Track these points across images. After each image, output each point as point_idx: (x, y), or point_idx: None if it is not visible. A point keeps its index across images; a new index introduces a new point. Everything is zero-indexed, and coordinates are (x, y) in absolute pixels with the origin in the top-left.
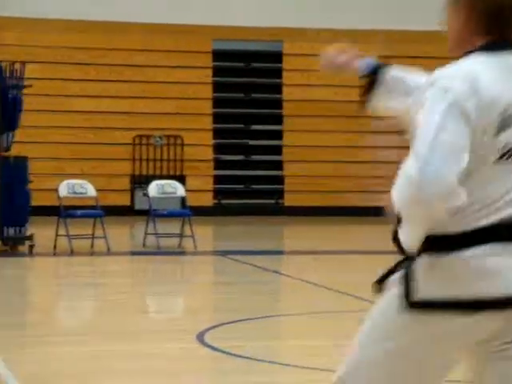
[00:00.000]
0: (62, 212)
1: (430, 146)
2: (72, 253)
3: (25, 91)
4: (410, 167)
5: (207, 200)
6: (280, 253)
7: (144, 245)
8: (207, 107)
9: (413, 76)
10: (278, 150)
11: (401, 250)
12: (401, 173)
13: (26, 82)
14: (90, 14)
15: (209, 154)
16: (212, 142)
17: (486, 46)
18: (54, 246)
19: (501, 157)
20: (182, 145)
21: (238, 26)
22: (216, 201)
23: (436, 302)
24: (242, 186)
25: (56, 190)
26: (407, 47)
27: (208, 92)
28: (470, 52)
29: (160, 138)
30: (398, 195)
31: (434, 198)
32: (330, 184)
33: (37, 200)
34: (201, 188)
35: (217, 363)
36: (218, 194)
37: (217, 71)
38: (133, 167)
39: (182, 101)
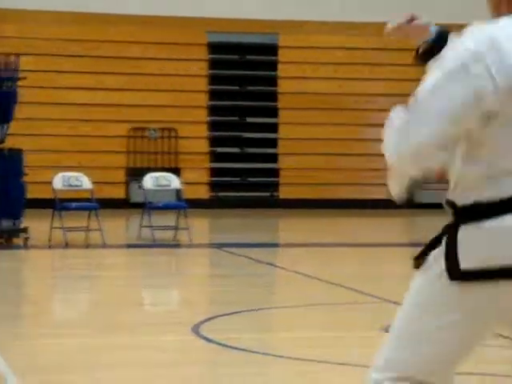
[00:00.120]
0: (56, 204)
1: (417, 104)
2: (67, 245)
3: (19, 83)
4: (398, 117)
5: (202, 192)
6: (275, 245)
7: (139, 237)
8: (202, 100)
9: None
10: (273, 142)
11: (452, 209)
12: (392, 117)
13: (20, 74)
14: (85, 7)
15: (204, 146)
16: (207, 134)
17: None
18: (49, 239)
19: None
20: (178, 137)
21: (234, 19)
22: (211, 193)
23: (480, 270)
24: (237, 179)
25: (51, 183)
26: (405, 40)
27: (203, 84)
28: (503, 15)
29: (155, 130)
30: (385, 141)
31: (403, 156)
32: (324, 177)
33: (32, 193)
34: (196, 180)
35: (212, 355)
36: (213, 186)
37: (212, 64)
38: (128, 160)
39: (177, 93)
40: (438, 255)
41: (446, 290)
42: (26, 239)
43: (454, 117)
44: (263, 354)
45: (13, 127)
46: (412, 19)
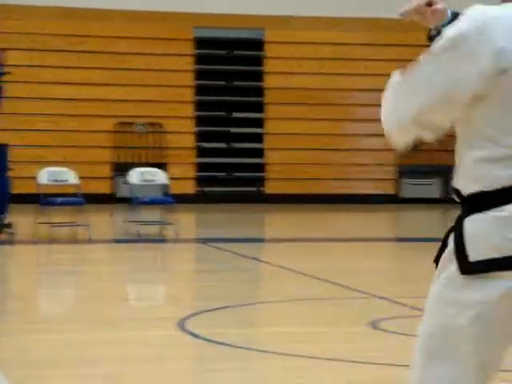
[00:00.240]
0: (42, 200)
1: (410, 74)
2: (52, 241)
3: (4, 78)
4: (395, 83)
5: (189, 187)
6: (261, 240)
7: (125, 232)
8: (189, 95)
9: None
10: (259, 137)
11: (459, 198)
12: (391, 82)
13: (5, 69)
14: (71, 2)
15: (191, 141)
16: (194, 129)
17: None
18: (35, 234)
19: None
20: (164, 132)
21: (220, 14)
22: (198, 188)
23: (491, 260)
24: (223, 174)
25: (36, 178)
26: (391, 35)
27: (190, 80)
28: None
29: (142, 125)
30: (383, 105)
31: (388, 126)
32: (310, 172)
33: (18, 188)
34: (182, 175)
35: (198, 350)
36: (199, 181)
37: (199, 59)
38: (114, 155)
39: (164, 88)
40: (449, 251)
41: (464, 285)
42: (11, 234)
43: (439, 92)
44: (248, 349)
45: None
46: (430, 3)
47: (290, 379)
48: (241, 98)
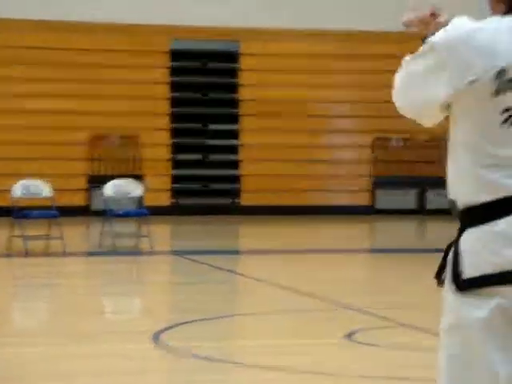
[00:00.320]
0: (15, 212)
1: (404, 69)
2: (27, 254)
3: None
4: (403, 67)
5: (164, 200)
6: (236, 252)
7: (100, 245)
8: (164, 107)
9: None
10: (234, 149)
11: (455, 211)
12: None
13: None
14: (46, 14)
15: (166, 153)
16: (169, 141)
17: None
18: (9, 248)
19: (504, 121)
20: (139, 144)
21: (195, 26)
22: (173, 200)
23: (484, 276)
24: (199, 186)
25: (10, 191)
26: (365, 47)
27: (165, 92)
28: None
29: (117, 137)
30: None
31: (399, 106)
32: (286, 183)
33: None
34: (158, 187)
35: (173, 363)
36: (175, 193)
37: (174, 71)
38: (89, 167)
39: (140, 100)
40: (448, 266)
41: (457, 301)
42: None
43: (412, 95)
44: (224, 361)
45: None
46: (434, 14)
47: None
48: (216, 110)
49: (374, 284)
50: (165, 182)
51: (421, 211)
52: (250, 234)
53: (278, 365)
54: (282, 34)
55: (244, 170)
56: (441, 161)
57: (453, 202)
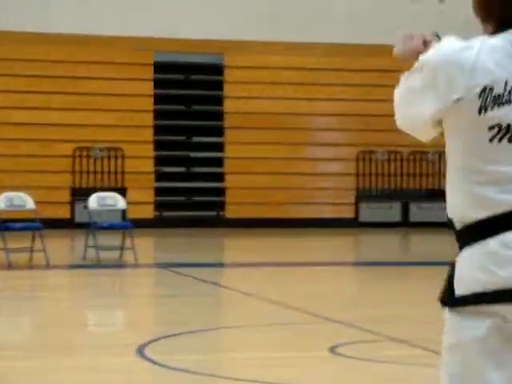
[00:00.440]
0: None
1: (400, 86)
2: (10, 266)
3: None
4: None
5: (148, 212)
6: (221, 265)
7: (84, 258)
8: (148, 119)
9: None
10: (219, 162)
11: (452, 229)
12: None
13: None
14: (31, 26)
15: (150, 166)
16: (153, 154)
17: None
18: None
19: (492, 138)
20: (123, 157)
21: (180, 39)
22: (157, 213)
23: (474, 294)
24: (183, 198)
25: None
26: (349, 60)
27: (149, 104)
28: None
29: (100, 150)
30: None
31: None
32: (270, 196)
33: None
34: (142, 200)
35: (157, 377)
36: (159, 206)
37: (158, 83)
38: (73, 179)
39: (123, 113)
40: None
41: (458, 322)
42: None
43: (406, 112)
44: (209, 375)
45: None
46: (426, 42)
47: None
48: (200, 123)
49: (359, 297)
50: (149, 195)
51: (405, 224)
52: (235, 246)
53: (264, 378)
54: (266, 47)
55: (229, 182)
56: (425, 174)
57: (450, 221)
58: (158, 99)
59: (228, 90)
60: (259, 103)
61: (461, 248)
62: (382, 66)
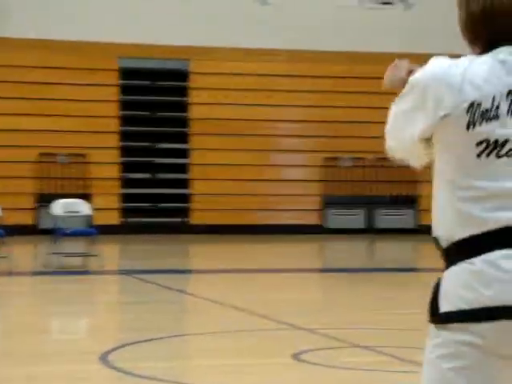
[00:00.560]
0: None
1: (391, 112)
2: None
3: None
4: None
5: (113, 218)
6: (186, 272)
7: (48, 264)
8: (113, 125)
9: None
10: (184, 168)
11: (437, 247)
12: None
13: None
14: None
15: (115, 172)
16: (118, 160)
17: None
18: None
19: (480, 153)
20: (88, 163)
21: (145, 44)
22: (122, 219)
23: (458, 312)
24: (148, 205)
25: None
26: (314, 66)
27: (114, 110)
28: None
29: (65, 155)
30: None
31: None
32: (235, 202)
33: None
34: (107, 206)
35: None
36: (124, 212)
37: (123, 89)
38: (37, 186)
39: (88, 119)
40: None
41: (440, 337)
42: None
43: (402, 130)
44: (174, 382)
45: None
46: (411, 71)
47: None
48: (165, 129)
49: (324, 304)
50: (114, 201)
51: (370, 230)
52: (200, 253)
53: None
54: (231, 53)
55: (194, 188)
56: (390, 180)
57: (436, 239)
58: (123, 105)
59: (193, 97)
60: (224, 109)
61: (447, 266)
62: (347, 72)
